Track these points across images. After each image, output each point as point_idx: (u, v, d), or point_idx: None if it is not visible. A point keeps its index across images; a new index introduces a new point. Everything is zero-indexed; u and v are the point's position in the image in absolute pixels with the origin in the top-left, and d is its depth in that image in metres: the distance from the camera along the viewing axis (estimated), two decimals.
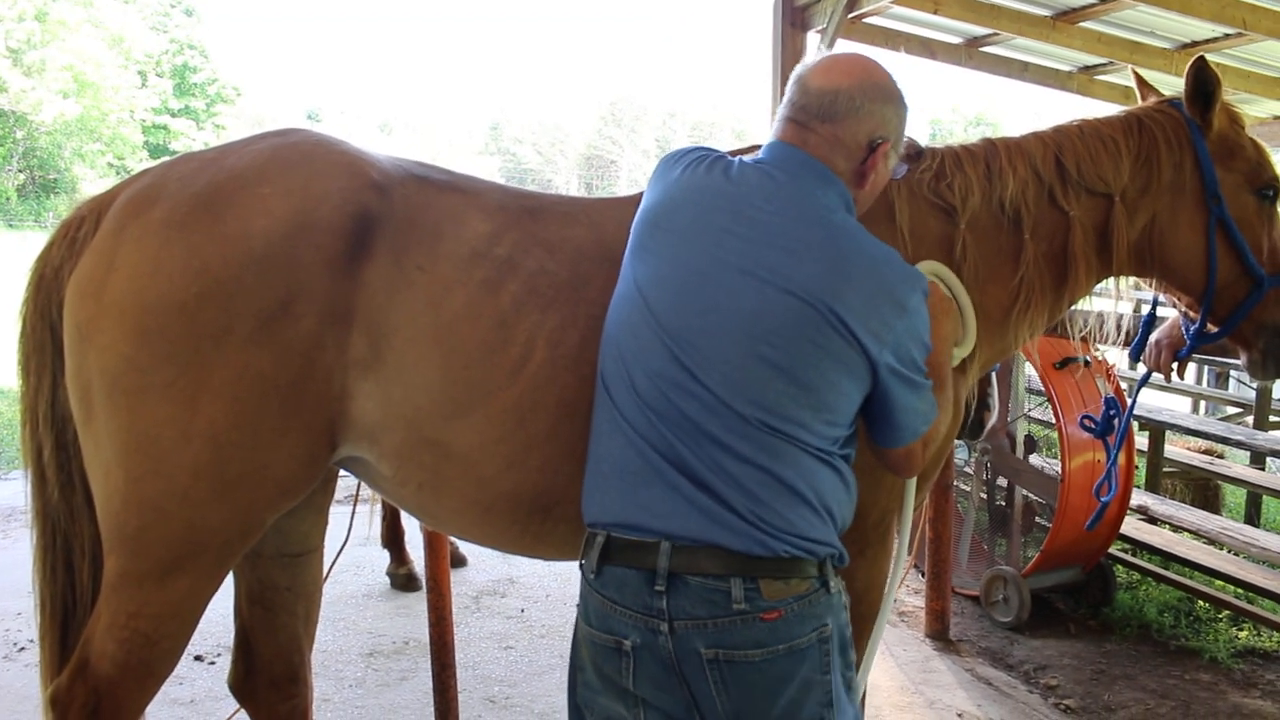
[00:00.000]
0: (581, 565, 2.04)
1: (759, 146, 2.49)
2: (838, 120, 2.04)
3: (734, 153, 2.31)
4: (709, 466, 1.90)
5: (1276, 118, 9.34)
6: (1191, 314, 2.81)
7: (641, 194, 2.64)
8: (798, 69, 2.15)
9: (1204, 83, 2.66)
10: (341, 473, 2.65)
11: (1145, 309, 3.11)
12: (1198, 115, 2.69)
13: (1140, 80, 2.98)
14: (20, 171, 44.64)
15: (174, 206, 2.21)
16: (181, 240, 2.17)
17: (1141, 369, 3.11)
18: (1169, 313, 3.00)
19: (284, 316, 2.17)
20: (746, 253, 1.94)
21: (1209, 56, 2.70)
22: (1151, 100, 2.85)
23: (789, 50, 7.56)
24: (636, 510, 1.94)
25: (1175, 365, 2.98)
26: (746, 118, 73.63)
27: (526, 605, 5.57)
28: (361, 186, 2.29)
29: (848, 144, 2.05)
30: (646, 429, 1.94)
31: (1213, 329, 2.79)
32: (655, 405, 1.94)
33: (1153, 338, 3.03)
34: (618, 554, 1.94)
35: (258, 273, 2.16)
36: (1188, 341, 2.87)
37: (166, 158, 2.49)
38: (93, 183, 42.04)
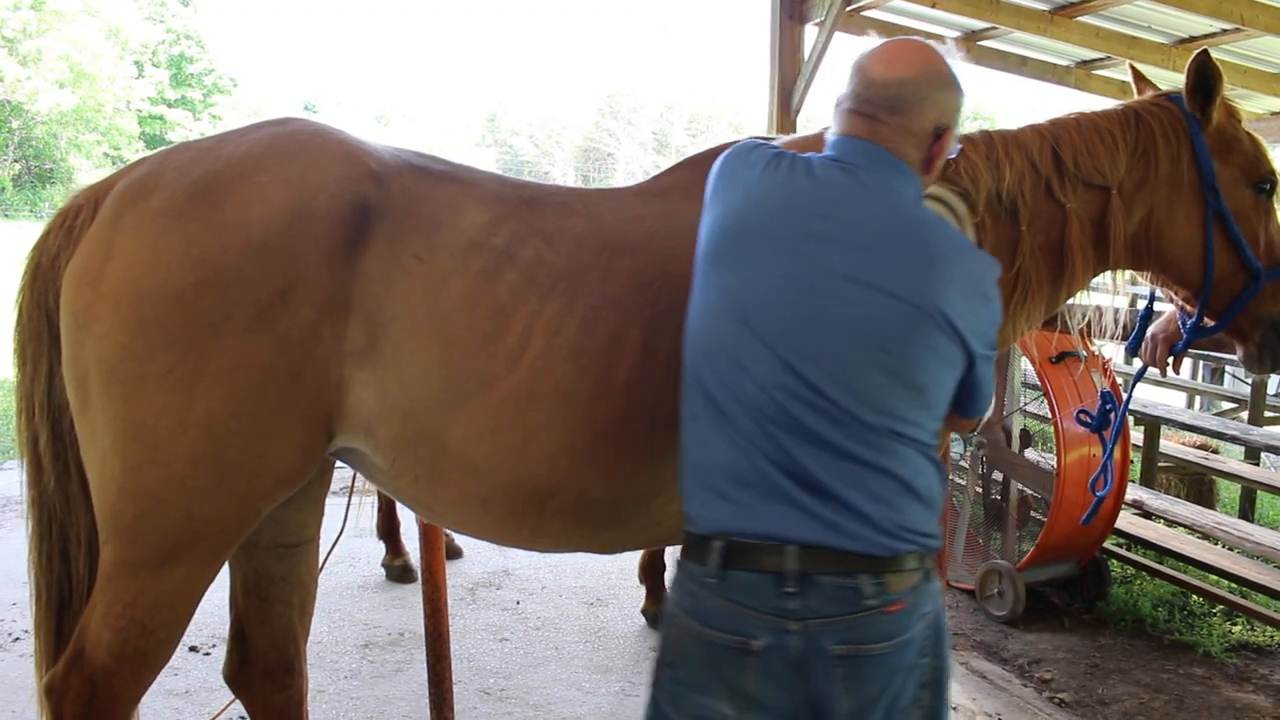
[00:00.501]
0: (689, 566, 2.00)
1: (800, 138, 2.47)
2: (906, 111, 2.04)
3: (789, 145, 2.29)
4: (832, 475, 1.89)
5: (1273, 113, 9.35)
6: (1188, 308, 2.81)
7: (639, 185, 2.65)
8: (856, 59, 2.12)
9: (1206, 77, 2.66)
10: (337, 464, 2.65)
11: (1142, 304, 3.12)
12: (1197, 109, 2.69)
13: (1137, 74, 2.98)
14: (16, 161, 44.57)
15: (171, 195, 2.21)
16: (179, 229, 2.17)
17: (1138, 364, 3.11)
18: (1165, 308, 3.01)
19: (282, 306, 2.17)
20: (850, 260, 1.93)
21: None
22: (1148, 94, 2.85)
23: (787, 42, 7.55)
24: (756, 522, 1.92)
25: (1171, 360, 2.98)
26: (744, 110, 73.55)
27: (522, 597, 5.57)
28: (360, 176, 2.28)
29: (916, 133, 2.05)
30: (763, 442, 1.92)
31: (1209, 323, 2.80)
32: (773, 417, 1.91)
33: (1149, 332, 3.03)
34: (742, 558, 1.92)
35: (256, 262, 2.16)
36: (1184, 335, 2.87)
37: (163, 148, 2.48)
38: (88, 173, 41.99)
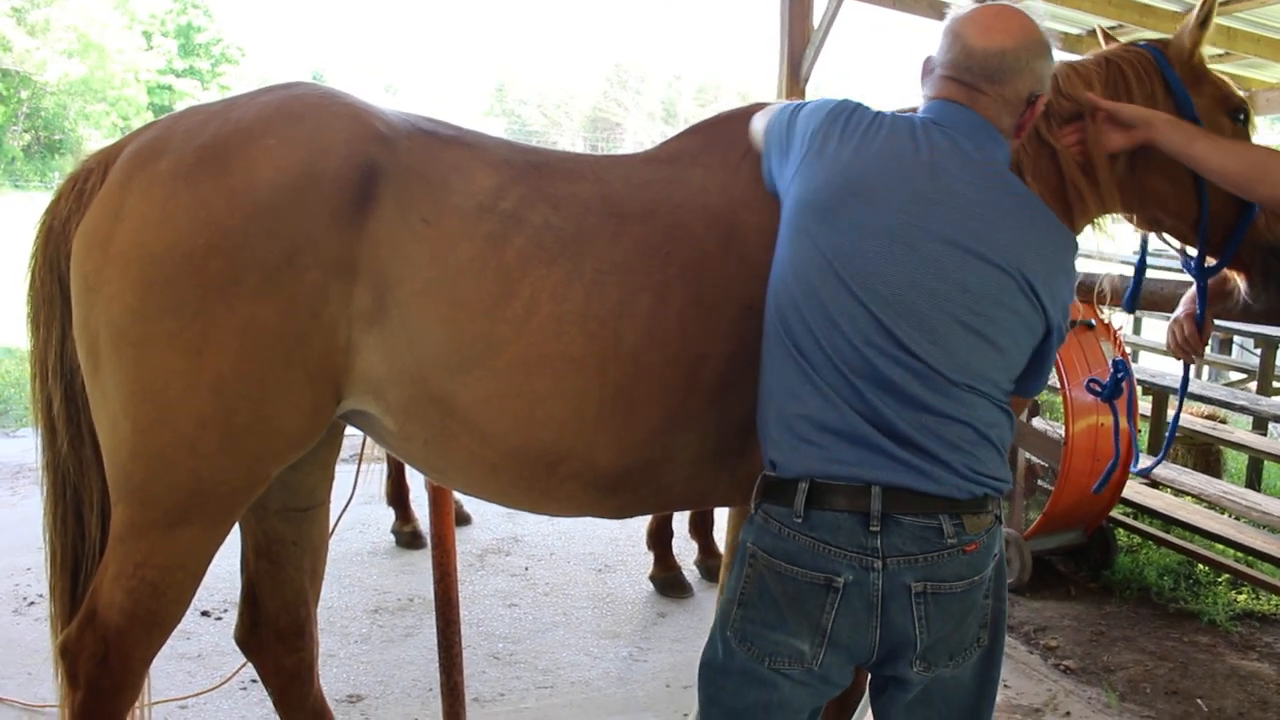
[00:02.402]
0: (770, 509, 2.06)
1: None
2: (1005, 81, 2.10)
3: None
4: (914, 426, 1.97)
5: None
6: (1189, 248, 2.81)
7: (647, 151, 2.65)
8: (952, 25, 2.16)
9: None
10: (348, 431, 2.66)
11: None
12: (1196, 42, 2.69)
13: (1105, 33, 3.02)
14: (26, 132, 44.56)
15: (180, 158, 2.21)
16: (188, 191, 2.17)
17: (1154, 339, 3.11)
18: (1163, 278, 2.99)
19: (289, 268, 2.18)
20: (949, 221, 2.00)
21: (1219, 20, 2.69)
22: (1115, 46, 2.86)
23: (796, 10, 7.48)
24: (841, 466, 1.98)
25: (1200, 332, 2.96)
26: (752, 79, 73.23)
27: (530, 563, 5.61)
28: (367, 139, 2.29)
29: (1012, 101, 2.12)
30: (848, 393, 1.99)
31: (1212, 262, 2.80)
32: (858, 370, 1.98)
33: (1173, 318, 3.02)
34: (827, 498, 1.99)
35: (264, 224, 2.17)
36: (1195, 281, 2.86)
37: (172, 112, 2.50)
38: (98, 143, 41.89)
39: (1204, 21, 2.68)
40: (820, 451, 2.00)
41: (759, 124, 2.46)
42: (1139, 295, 3.09)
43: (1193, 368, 3.25)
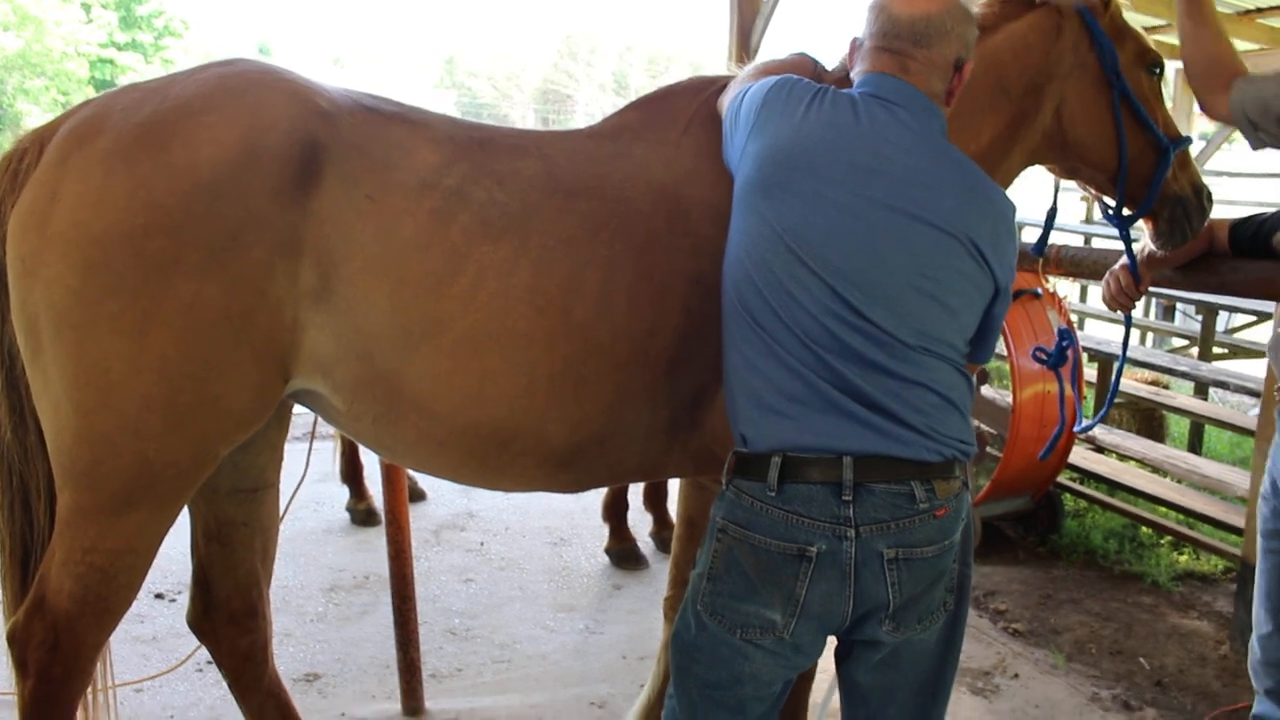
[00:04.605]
0: (742, 483, 2.08)
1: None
2: (932, 45, 2.14)
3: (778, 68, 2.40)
4: (879, 390, 2.01)
5: None
6: (1109, 199, 2.89)
7: (591, 127, 2.65)
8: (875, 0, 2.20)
9: None
10: (298, 410, 2.65)
11: (1096, 243, 3.16)
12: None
13: None
14: None
15: (118, 136, 2.18)
16: (127, 170, 2.14)
17: (1100, 307, 3.17)
18: (1107, 247, 3.05)
19: (233, 247, 2.16)
20: (892, 190, 2.04)
21: None
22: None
23: None
24: (813, 436, 2.01)
25: (1136, 284, 3.03)
26: (703, 51, 73.12)
27: (486, 539, 5.62)
28: (309, 114, 2.26)
29: (941, 67, 2.16)
30: (812, 362, 2.02)
31: (1129, 212, 2.88)
32: (819, 340, 2.01)
33: (1108, 273, 3.09)
34: (799, 471, 2.01)
35: (205, 202, 2.14)
36: (1118, 231, 2.95)
37: (110, 89, 2.45)
38: (38, 120, 40.91)
39: None
40: (791, 422, 2.03)
41: (722, 104, 2.47)
42: (1048, 238, 3.23)
43: (1134, 330, 3.32)
